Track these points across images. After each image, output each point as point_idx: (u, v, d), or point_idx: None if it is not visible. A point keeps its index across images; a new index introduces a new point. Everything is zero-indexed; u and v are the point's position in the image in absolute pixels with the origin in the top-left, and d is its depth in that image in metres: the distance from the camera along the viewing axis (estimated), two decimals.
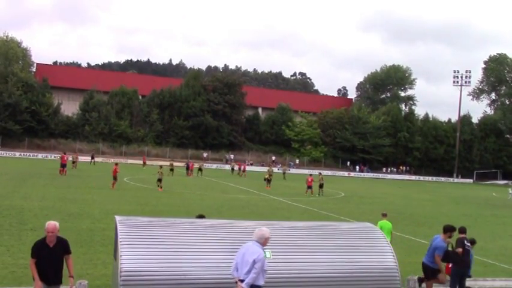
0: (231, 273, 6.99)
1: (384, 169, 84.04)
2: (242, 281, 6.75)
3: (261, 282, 6.83)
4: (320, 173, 37.88)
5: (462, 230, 10.49)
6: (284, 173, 56.51)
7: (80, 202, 22.00)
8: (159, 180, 31.20)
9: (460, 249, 10.02)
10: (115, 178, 29.85)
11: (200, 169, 49.10)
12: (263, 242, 7.01)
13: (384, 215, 13.91)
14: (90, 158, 57.98)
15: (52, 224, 7.20)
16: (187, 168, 49.38)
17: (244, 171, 55.33)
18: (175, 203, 24.69)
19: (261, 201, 28.57)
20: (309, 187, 35.03)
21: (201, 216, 10.03)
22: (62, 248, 7.29)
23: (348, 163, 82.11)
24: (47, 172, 38.37)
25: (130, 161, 64.62)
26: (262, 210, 24.11)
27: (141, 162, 60.48)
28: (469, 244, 10.12)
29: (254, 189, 36.28)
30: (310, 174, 38.25)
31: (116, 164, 31.98)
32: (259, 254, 6.79)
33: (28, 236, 14.09)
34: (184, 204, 24.68)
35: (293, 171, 70.01)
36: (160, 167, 32.69)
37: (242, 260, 6.86)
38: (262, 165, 67.91)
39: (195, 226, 7.95)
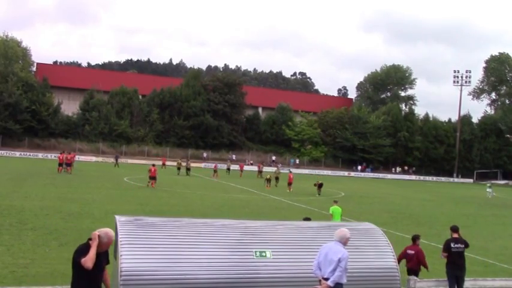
0: (314, 272, 7.17)
1: (393, 169, 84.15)
2: (326, 279, 6.93)
3: (344, 280, 7.02)
4: (317, 183, 37.31)
5: (454, 229, 10.19)
6: (260, 172, 54.75)
7: (80, 202, 22.01)
8: (153, 178, 32.61)
9: (445, 254, 9.97)
10: (153, 178, 31.98)
11: (188, 168, 48.93)
12: (344, 241, 7.24)
13: (335, 202, 17.32)
14: (114, 159, 56.80)
15: (113, 232, 6.12)
16: (179, 168, 49.24)
17: (260, 171, 54.39)
18: (176, 203, 24.70)
19: (261, 201, 28.58)
20: (289, 183, 36.99)
21: (307, 219, 10.24)
22: (105, 256, 6.24)
23: (363, 164, 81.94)
24: (47, 172, 38.39)
25: (130, 161, 64.67)
26: (263, 210, 24.12)
27: (149, 163, 60.26)
28: (459, 245, 9.86)
29: (254, 189, 36.30)
30: (290, 171, 41.27)
31: (153, 165, 33.53)
32: (344, 253, 7.02)
33: (28, 235, 14.11)
34: (185, 204, 24.69)
35: (293, 171, 69.86)
36: (153, 165, 33.87)
37: (325, 259, 7.06)
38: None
39: (196, 226, 7.95)
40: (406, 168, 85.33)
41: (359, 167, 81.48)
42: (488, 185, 52.72)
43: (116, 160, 56.30)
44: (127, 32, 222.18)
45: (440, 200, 40.11)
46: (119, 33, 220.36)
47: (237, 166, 58.82)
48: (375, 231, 8.91)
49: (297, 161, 79.67)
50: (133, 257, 6.96)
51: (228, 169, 56.00)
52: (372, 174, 78.76)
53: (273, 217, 20.41)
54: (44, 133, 68.86)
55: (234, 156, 75.25)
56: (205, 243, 7.50)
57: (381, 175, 78.33)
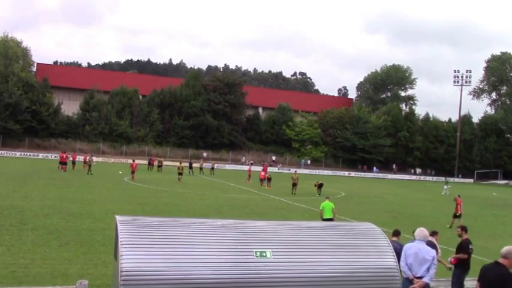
0: (405, 273, 7.55)
1: (412, 170, 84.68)
2: (420, 277, 7.42)
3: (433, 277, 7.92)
4: (317, 183, 36.96)
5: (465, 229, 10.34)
6: (213, 168, 54.10)
7: (80, 202, 22.02)
8: (180, 173, 38.86)
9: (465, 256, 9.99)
10: (133, 172, 37.32)
11: (160, 165, 49.20)
12: (426, 239, 8.02)
13: (327, 198, 19.49)
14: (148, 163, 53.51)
15: None
16: (149, 164, 49.61)
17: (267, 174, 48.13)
18: (176, 203, 24.71)
19: (262, 201, 28.58)
20: (261, 179, 39.79)
21: (396, 233, 10.37)
22: None
23: (375, 167, 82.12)
24: (48, 172, 38.40)
25: (130, 161, 64.52)
26: (263, 210, 24.12)
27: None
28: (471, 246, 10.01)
29: (254, 189, 36.29)
30: (263, 169, 43.50)
31: (133, 160, 41.52)
32: (433, 251, 7.74)
33: (28, 235, 14.10)
34: (185, 204, 24.70)
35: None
36: (180, 163, 41.06)
37: (416, 258, 7.54)
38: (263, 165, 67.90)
39: (196, 226, 7.95)
40: (415, 170, 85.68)
41: (374, 168, 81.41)
42: (445, 181, 53.42)
43: (155, 163, 52.91)
44: (129, 33, 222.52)
45: (440, 200, 40.09)
46: (122, 33, 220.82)
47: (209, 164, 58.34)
48: (375, 231, 8.89)
49: (309, 161, 79.51)
50: (133, 257, 6.96)
51: (201, 168, 54.28)
52: (372, 174, 78.69)
53: (273, 217, 20.43)
54: (44, 133, 68.87)
55: (244, 158, 75.15)
56: (205, 243, 7.49)
57: (381, 175, 78.31)
